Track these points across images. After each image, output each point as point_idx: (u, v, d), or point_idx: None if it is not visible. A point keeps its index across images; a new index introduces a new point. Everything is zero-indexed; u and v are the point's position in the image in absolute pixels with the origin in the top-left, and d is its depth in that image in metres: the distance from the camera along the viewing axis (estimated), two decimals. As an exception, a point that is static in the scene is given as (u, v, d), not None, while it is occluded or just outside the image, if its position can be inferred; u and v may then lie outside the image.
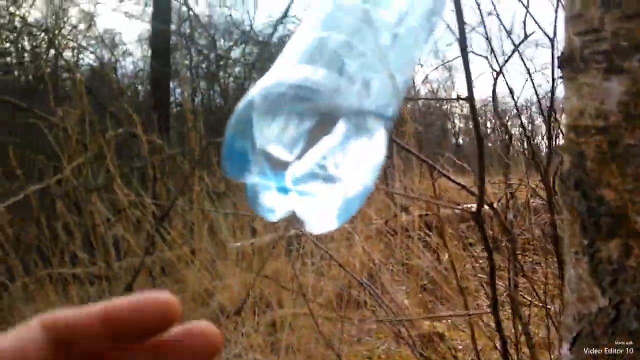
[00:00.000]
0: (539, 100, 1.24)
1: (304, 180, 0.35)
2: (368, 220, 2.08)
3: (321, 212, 0.37)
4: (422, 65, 2.01)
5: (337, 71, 0.37)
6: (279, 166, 0.35)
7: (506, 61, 1.34)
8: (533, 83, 1.22)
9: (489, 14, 1.23)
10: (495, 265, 0.84)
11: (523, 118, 2.61)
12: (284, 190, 0.36)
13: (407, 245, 2.13)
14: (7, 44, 3.96)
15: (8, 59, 4.00)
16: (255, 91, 0.37)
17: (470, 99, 0.85)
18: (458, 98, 0.83)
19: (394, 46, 0.41)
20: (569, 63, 0.45)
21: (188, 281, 1.96)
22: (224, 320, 1.88)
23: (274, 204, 0.37)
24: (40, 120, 1.80)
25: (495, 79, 1.54)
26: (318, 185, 0.35)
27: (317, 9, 0.41)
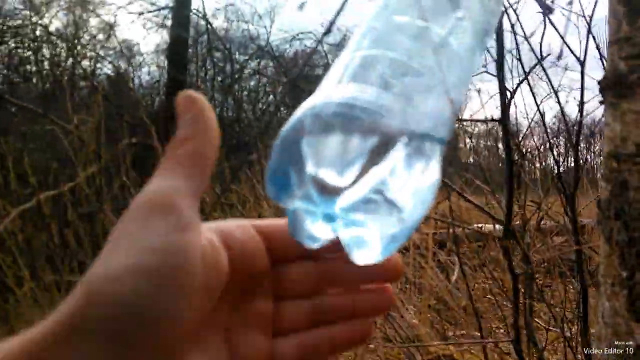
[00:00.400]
0: (566, 123, 1.21)
1: (355, 207, 0.32)
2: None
3: (369, 242, 0.34)
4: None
5: (391, 90, 0.35)
6: (329, 191, 0.32)
7: (521, 81, 1.31)
8: (560, 105, 1.20)
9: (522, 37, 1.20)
10: (519, 294, 0.81)
11: (536, 139, 2.58)
12: (331, 217, 0.33)
13: (420, 263, 2.09)
14: (28, 52, 4.01)
15: (27, 66, 4.04)
16: (305, 111, 0.34)
17: (503, 121, 0.83)
18: (491, 120, 0.81)
19: (450, 66, 0.38)
20: (613, 88, 0.43)
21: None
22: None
23: (317, 231, 0.34)
24: (57, 128, 1.80)
25: (510, 99, 1.53)
26: (370, 213, 0.32)
27: (367, 26, 0.39)
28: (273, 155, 0.35)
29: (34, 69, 3.92)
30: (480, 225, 2.52)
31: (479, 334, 1.62)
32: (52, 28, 4.05)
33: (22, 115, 2.33)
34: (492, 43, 0.83)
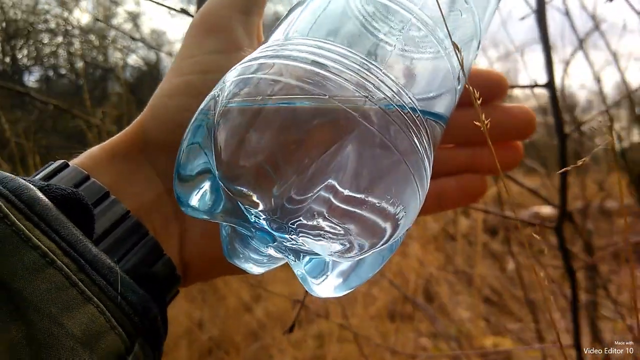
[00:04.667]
0: (628, 93, 1.04)
1: (293, 225, 0.22)
2: (423, 225, 1.91)
3: (322, 271, 0.25)
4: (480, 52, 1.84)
5: (367, 49, 0.24)
6: (256, 202, 0.22)
7: (577, 49, 1.16)
8: (621, 71, 1.03)
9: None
10: (577, 290, 0.67)
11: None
12: (265, 238, 0.24)
13: (468, 252, 1.95)
14: (56, 48, 4.07)
15: (60, 61, 4.11)
16: (226, 80, 0.24)
17: (550, 85, 0.68)
18: (535, 85, 0.67)
19: (451, 15, 0.28)
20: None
21: (229, 288, 1.86)
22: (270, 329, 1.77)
23: (254, 254, 0.25)
24: (81, 121, 1.77)
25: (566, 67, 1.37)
26: (315, 234, 0.22)
27: None
28: (181, 146, 0.25)
29: (66, 64, 4.00)
30: (536, 209, 2.35)
31: (535, 328, 1.48)
32: (82, 22, 4.10)
33: (49, 110, 2.35)
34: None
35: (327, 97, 0.21)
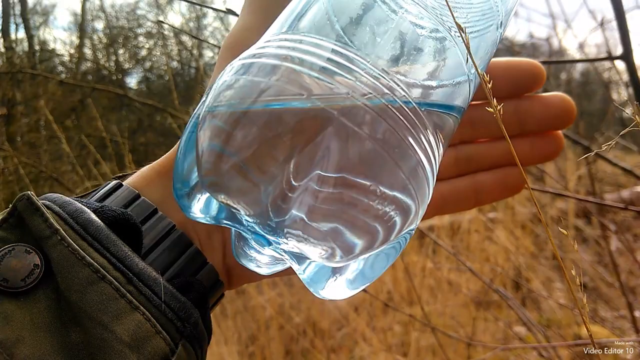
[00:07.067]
0: None
1: (282, 229, 0.22)
2: (510, 209, 1.84)
3: (325, 273, 0.25)
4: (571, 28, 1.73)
5: (364, 42, 0.23)
6: (243, 209, 0.22)
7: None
8: None
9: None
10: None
11: None
12: (261, 241, 0.24)
13: (560, 238, 1.85)
14: (152, 50, 4.26)
15: (151, 63, 4.30)
16: (213, 84, 0.24)
17: (626, 57, 0.63)
18: (609, 57, 0.63)
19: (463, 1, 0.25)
20: None
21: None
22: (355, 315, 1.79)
23: (258, 256, 0.26)
24: (174, 120, 1.87)
25: None
26: (303, 238, 0.22)
27: None
28: (175, 159, 0.25)
29: (162, 65, 4.19)
30: (636, 189, 2.19)
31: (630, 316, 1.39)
32: (176, 24, 4.29)
33: (149, 110, 2.49)
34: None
35: (305, 96, 0.20)
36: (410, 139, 0.21)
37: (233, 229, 0.25)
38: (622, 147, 1.66)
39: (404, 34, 0.23)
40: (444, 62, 0.24)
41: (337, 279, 0.24)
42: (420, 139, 0.22)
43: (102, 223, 0.25)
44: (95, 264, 0.23)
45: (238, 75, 0.22)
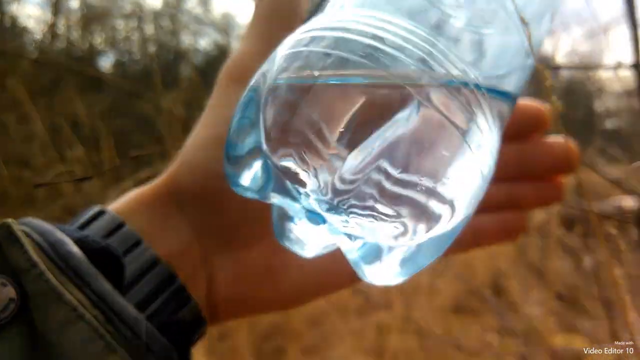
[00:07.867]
0: None
1: (344, 206, 0.21)
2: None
3: (377, 256, 0.23)
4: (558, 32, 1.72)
5: (430, 23, 0.23)
6: (304, 181, 0.21)
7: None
8: None
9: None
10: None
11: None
12: (316, 219, 0.23)
13: (542, 246, 1.86)
14: (129, 32, 4.21)
15: (128, 46, 4.25)
16: (276, 54, 0.23)
17: (636, 66, 0.62)
18: (618, 66, 0.61)
19: None
20: None
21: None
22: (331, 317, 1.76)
23: (305, 236, 0.24)
24: (151, 105, 1.82)
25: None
26: (367, 215, 0.21)
27: None
28: (230, 124, 0.25)
29: (139, 49, 4.14)
30: (618, 200, 2.20)
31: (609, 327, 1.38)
32: (155, 6, 4.22)
33: (120, 94, 2.43)
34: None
35: (383, 72, 0.20)
36: (481, 124, 0.21)
37: (277, 209, 0.25)
38: (609, 157, 1.65)
39: (473, 24, 0.24)
40: (508, 51, 0.25)
41: (388, 262, 0.24)
42: (488, 123, 0.22)
43: (83, 256, 0.25)
44: (75, 301, 0.23)
45: (316, 44, 0.22)
